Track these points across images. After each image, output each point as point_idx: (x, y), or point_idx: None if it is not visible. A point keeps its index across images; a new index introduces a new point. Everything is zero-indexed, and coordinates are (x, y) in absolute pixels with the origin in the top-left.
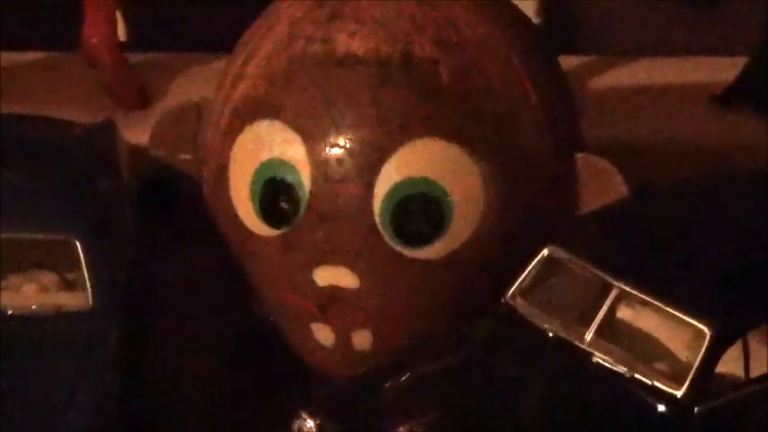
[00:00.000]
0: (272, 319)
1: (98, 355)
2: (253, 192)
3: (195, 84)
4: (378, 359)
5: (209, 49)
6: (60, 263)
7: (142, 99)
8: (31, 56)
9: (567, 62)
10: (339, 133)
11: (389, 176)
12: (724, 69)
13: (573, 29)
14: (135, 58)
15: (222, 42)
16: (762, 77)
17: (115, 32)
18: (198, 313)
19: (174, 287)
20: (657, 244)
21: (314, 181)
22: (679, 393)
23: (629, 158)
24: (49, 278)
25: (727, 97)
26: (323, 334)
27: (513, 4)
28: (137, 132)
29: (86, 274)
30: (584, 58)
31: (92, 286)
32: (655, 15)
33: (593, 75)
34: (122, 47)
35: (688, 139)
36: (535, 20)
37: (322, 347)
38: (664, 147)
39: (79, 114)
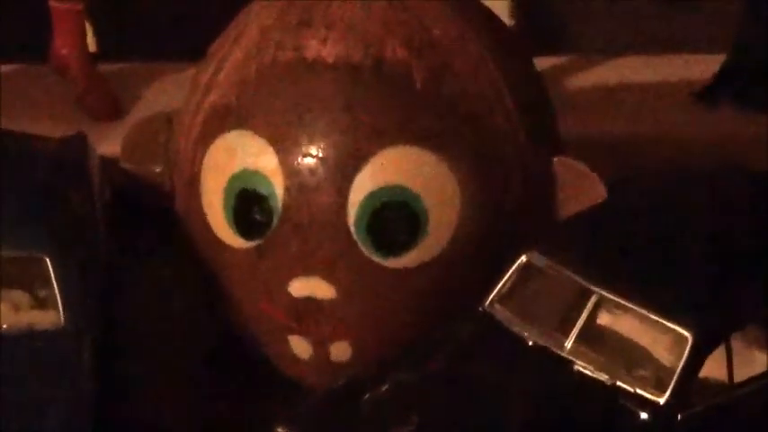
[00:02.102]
0: (244, 332)
1: (71, 372)
2: (225, 203)
3: (168, 93)
4: (355, 370)
5: (181, 57)
6: (31, 280)
7: (114, 110)
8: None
9: (544, 62)
10: (311, 142)
11: (364, 185)
12: (703, 66)
13: (548, 29)
14: (106, 68)
15: (194, 51)
16: (741, 73)
17: (85, 43)
18: (171, 325)
19: (146, 300)
20: (637, 248)
21: (287, 191)
22: (662, 400)
23: (610, 157)
24: (20, 297)
25: (708, 94)
26: (300, 346)
27: (484, 5)
28: (109, 144)
29: (57, 292)
30: (562, 58)
31: (63, 304)
32: (631, 13)
33: (571, 74)
34: (93, 57)
35: (668, 136)
36: (508, 21)
37: (299, 360)
38: (644, 145)
39: (50, 127)
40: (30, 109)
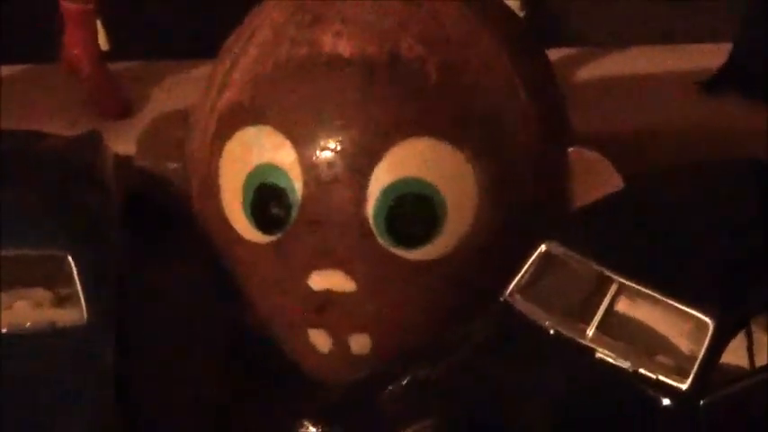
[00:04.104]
0: (262, 328)
1: (93, 369)
2: (244, 198)
3: (178, 91)
4: (377, 363)
5: (191, 55)
6: (52, 278)
7: (126, 108)
8: (12, 68)
9: (551, 54)
10: (329, 136)
11: (381, 178)
12: (709, 56)
13: (556, 20)
14: (117, 66)
15: (204, 48)
16: (747, 63)
17: (96, 42)
18: (189, 322)
19: (164, 297)
20: (655, 235)
21: (305, 185)
22: (684, 386)
23: (617, 148)
24: (43, 294)
25: (714, 84)
26: (320, 339)
27: (500, 1)
28: (121, 142)
29: (80, 289)
30: (568, 49)
31: (86, 301)
32: (637, 4)
33: (579, 65)
34: (104, 56)
35: (675, 126)
36: (519, 12)
37: (319, 353)
38: (650, 135)
39: (63, 126)
40: (42, 108)
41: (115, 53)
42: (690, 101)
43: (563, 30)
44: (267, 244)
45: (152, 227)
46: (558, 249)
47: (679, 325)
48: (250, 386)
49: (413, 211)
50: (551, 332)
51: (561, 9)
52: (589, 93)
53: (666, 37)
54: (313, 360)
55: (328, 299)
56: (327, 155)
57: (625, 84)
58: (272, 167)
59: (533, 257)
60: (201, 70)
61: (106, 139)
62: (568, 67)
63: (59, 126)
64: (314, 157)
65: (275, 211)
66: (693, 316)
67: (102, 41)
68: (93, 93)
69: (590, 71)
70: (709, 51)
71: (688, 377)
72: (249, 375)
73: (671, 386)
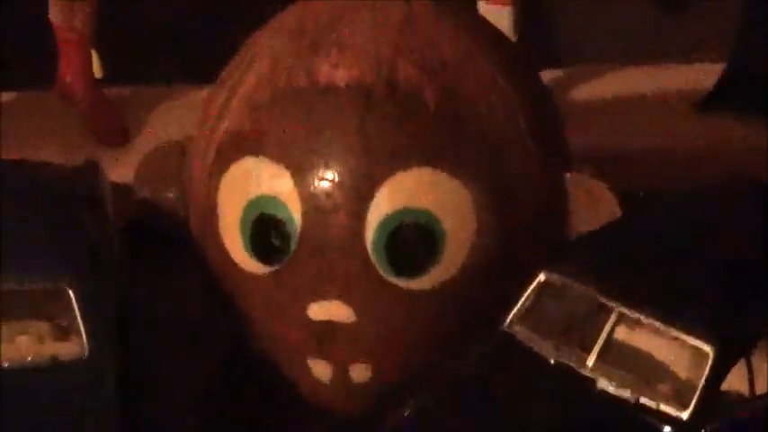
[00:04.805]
0: (262, 357)
1: (97, 401)
2: (243, 229)
3: (174, 117)
4: (378, 393)
5: (186, 80)
6: (52, 311)
7: (123, 135)
8: (6, 96)
9: (546, 74)
10: (327, 166)
11: (380, 207)
12: (704, 75)
13: (547, 40)
14: (112, 93)
15: (200, 73)
16: (741, 81)
17: (91, 69)
18: (189, 352)
19: (166, 326)
20: (654, 262)
21: (304, 215)
22: (685, 416)
23: (614, 169)
24: (43, 327)
25: (709, 103)
26: (320, 369)
27: (492, 24)
28: (119, 170)
29: (80, 322)
30: (561, 70)
31: (86, 333)
32: (630, 23)
33: (571, 86)
34: (99, 83)
35: (670, 146)
36: (512, 35)
37: (319, 383)
38: (645, 155)
39: (58, 153)
40: (37, 137)
41: (111, 79)
42: (685, 120)
43: (556, 50)
44: (266, 274)
45: (152, 256)
46: (557, 278)
47: (679, 353)
48: (251, 415)
49: (412, 240)
50: (552, 362)
51: (555, 29)
52: (584, 112)
53: (661, 56)
54: (313, 389)
55: (328, 329)
56: (325, 185)
57: (621, 103)
58: (270, 198)
59: (532, 286)
60: (198, 96)
61: (104, 166)
62: (563, 88)
63: (55, 154)
64: (312, 188)
65: (274, 241)
66: (693, 344)
67: (96, 68)
68: (88, 119)
69: (585, 91)
70: (704, 70)
71: (689, 406)
72: (251, 404)
73: (672, 415)
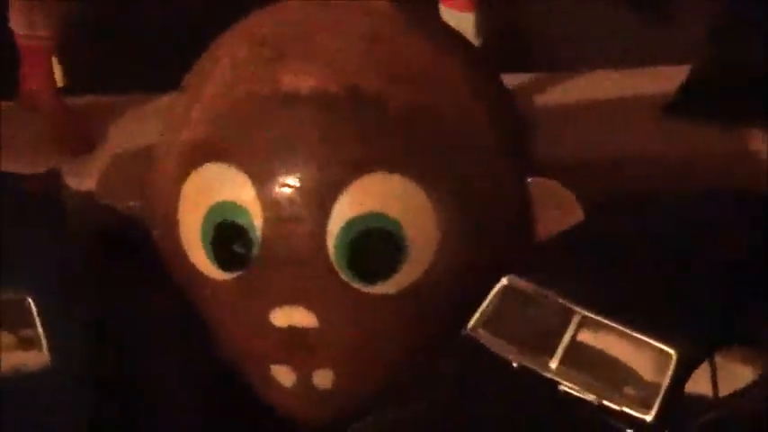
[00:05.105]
0: (228, 364)
1: (61, 413)
2: (204, 236)
3: (139, 125)
4: (340, 399)
5: (150, 89)
6: (16, 321)
7: (85, 144)
8: None
9: (513, 80)
10: (288, 173)
11: (342, 213)
12: (672, 78)
13: (513, 46)
14: (76, 102)
15: (164, 81)
16: (708, 85)
17: (53, 78)
18: (157, 360)
19: (131, 336)
20: (618, 267)
21: (266, 222)
22: (648, 417)
23: (581, 175)
24: (7, 338)
25: (676, 107)
26: (283, 375)
27: (457, 32)
28: (82, 179)
29: (41, 332)
30: (529, 76)
31: (48, 344)
32: (596, 28)
33: (537, 91)
34: (62, 91)
35: (641, 152)
36: (475, 39)
37: (283, 389)
38: (616, 161)
39: (21, 163)
40: None
41: (74, 88)
42: (653, 125)
43: (520, 56)
44: (229, 281)
45: (115, 265)
46: (520, 283)
47: (643, 356)
48: (226, 422)
49: (374, 245)
50: (515, 365)
51: (519, 35)
52: (551, 119)
53: (629, 60)
54: (277, 396)
55: (291, 335)
56: (287, 191)
57: (587, 109)
58: (231, 205)
59: (495, 291)
60: (162, 104)
61: (66, 175)
62: (529, 94)
63: (17, 163)
64: (274, 195)
65: (236, 248)
66: (656, 347)
67: (58, 77)
68: (52, 129)
69: (552, 97)
70: (674, 73)
71: (652, 408)
72: (224, 411)
73: (635, 417)
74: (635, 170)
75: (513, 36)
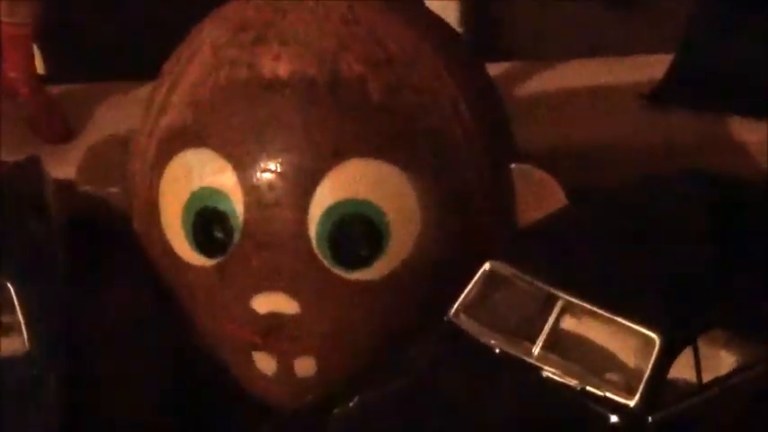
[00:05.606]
0: (209, 352)
1: (38, 399)
2: (185, 222)
3: (118, 113)
4: (323, 388)
5: (131, 77)
6: None
7: (65, 132)
8: None
9: (495, 68)
10: (269, 158)
11: (323, 199)
12: (654, 67)
13: (496, 34)
14: (56, 89)
15: (145, 69)
16: (690, 72)
17: (33, 66)
18: (135, 349)
19: (111, 324)
20: (600, 252)
21: (247, 208)
22: (632, 403)
23: (565, 163)
24: None
25: (658, 95)
26: (264, 362)
27: (438, 16)
28: (62, 166)
29: (21, 318)
30: (512, 64)
31: (27, 330)
32: (578, 16)
33: (520, 79)
34: (43, 79)
35: (623, 140)
36: (458, 27)
37: (264, 376)
38: (599, 149)
39: (1, 151)
40: None
41: (54, 76)
42: (635, 113)
43: (503, 44)
44: (210, 267)
45: (96, 252)
46: (502, 268)
47: (626, 342)
48: (197, 412)
49: (356, 231)
50: (497, 351)
51: (502, 23)
52: (534, 107)
53: (611, 48)
54: (259, 384)
55: (273, 321)
56: (268, 177)
57: (570, 97)
58: (212, 191)
59: (477, 276)
60: (143, 91)
61: (46, 163)
62: (512, 82)
63: None
64: (255, 180)
65: (217, 234)
66: (640, 332)
67: (39, 65)
68: (32, 116)
69: (534, 85)
70: (656, 62)
71: (636, 394)
72: (196, 401)
73: (619, 403)
74: (617, 157)
75: (495, 24)
